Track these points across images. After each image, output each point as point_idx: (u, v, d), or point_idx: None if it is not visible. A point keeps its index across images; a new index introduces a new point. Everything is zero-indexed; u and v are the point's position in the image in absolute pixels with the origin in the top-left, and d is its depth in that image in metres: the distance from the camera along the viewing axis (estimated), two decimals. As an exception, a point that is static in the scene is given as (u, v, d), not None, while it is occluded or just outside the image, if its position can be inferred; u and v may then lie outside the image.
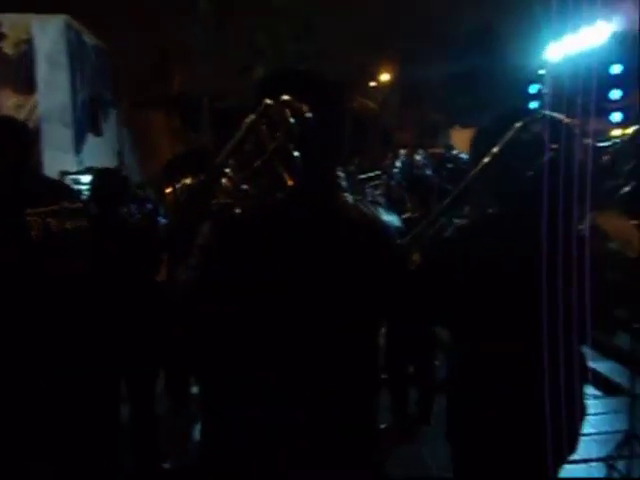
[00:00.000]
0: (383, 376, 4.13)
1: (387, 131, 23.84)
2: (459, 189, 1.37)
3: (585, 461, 2.90)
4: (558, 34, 11.53)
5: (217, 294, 1.12)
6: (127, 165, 18.54)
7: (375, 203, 1.29)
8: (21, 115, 15.02)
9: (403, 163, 14.74)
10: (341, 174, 1.24)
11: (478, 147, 1.42)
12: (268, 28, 20.42)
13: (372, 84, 23.95)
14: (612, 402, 3.73)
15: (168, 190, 1.25)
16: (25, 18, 15.49)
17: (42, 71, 15.46)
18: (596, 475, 2.73)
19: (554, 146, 1.27)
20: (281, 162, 1.01)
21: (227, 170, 1.10)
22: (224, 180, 1.08)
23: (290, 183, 1.00)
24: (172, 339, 2.98)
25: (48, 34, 15.49)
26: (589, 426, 3.39)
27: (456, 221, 1.58)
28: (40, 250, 2.02)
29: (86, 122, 16.86)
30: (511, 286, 1.32)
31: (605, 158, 1.87)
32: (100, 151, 17.59)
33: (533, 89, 12.61)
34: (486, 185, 1.38)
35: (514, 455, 1.42)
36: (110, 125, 19.32)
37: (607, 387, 4.04)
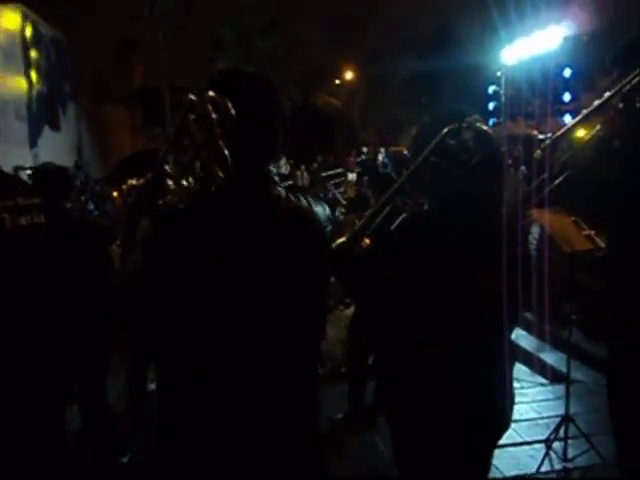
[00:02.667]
0: (342, 369, 4.24)
1: (351, 129, 24.06)
2: (394, 187, 1.47)
3: (528, 443, 3.08)
4: (512, 38, 11.88)
5: (159, 283, 1.18)
6: (86, 160, 18.15)
7: (317, 197, 1.37)
8: (-27, 107, 14.57)
9: (365, 161, 14.93)
10: (273, 169, 1.31)
11: (415, 147, 1.53)
12: (234, 23, 20.26)
13: (337, 82, 24.09)
14: (556, 389, 3.93)
15: (115, 193, 1.29)
16: (-22, 8, 14.98)
17: (-4, 62, 15.01)
18: (537, 456, 2.90)
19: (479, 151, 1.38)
20: (211, 156, 1.07)
21: (167, 168, 1.16)
22: (168, 179, 1.15)
23: (220, 175, 1.07)
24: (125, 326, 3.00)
25: (3, 25, 15.00)
26: (533, 411, 3.62)
27: (403, 215, 1.69)
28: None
29: (43, 116, 16.40)
30: (442, 276, 1.42)
31: (537, 152, 2.00)
32: (58, 146, 17.14)
33: (491, 90, 12.95)
34: (418, 183, 1.48)
35: (449, 436, 1.52)
36: (69, 119, 18.84)
37: (553, 375, 4.26)
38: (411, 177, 1.45)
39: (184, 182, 1.11)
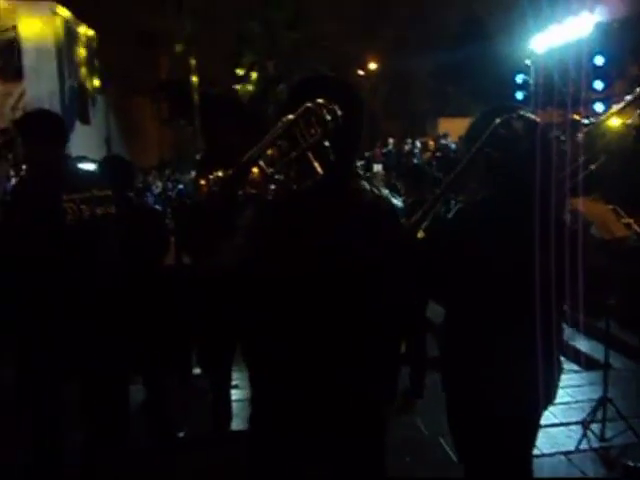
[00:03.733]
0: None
1: (374, 120, 24.02)
2: (450, 178, 1.59)
3: (564, 424, 3.18)
4: (543, 25, 11.73)
5: (259, 263, 1.34)
6: (115, 152, 18.53)
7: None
8: (8, 103, 14.98)
9: (390, 152, 14.95)
10: (358, 163, 1.45)
11: (468, 139, 1.65)
12: (260, 15, 20.35)
13: (360, 73, 24.03)
14: (590, 375, 4.00)
15: (202, 182, 1.42)
16: (11, 5, 15.34)
17: (29, 59, 15.36)
18: (574, 436, 3.00)
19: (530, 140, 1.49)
20: (314, 155, 1.22)
21: (260, 162, 1.30)
22: (255, 170, 1.28)
23: (320, 173, 1.22)
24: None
25: (35, 21, 15.37)
26: (568, 396, 3.71)
27: (457, 205, 1.80)
28: (74, 234, 2.20)
29: (74, 110, 16.79)
30: (498, 264, 1.53)
31: (580, 136, 2.07)
32: (88, 139, 17.53)
33: (519, 79, 12.82)
34: (474, 173, 1.59)
35: (502, 406, 1.64)
36: (98, 112, 19.26)
37: (586, 362, 4.33)
38: (466, 168, 1.56)
39: (277, 177, 1.24)
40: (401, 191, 3.78)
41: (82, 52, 17.88)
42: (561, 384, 4.15)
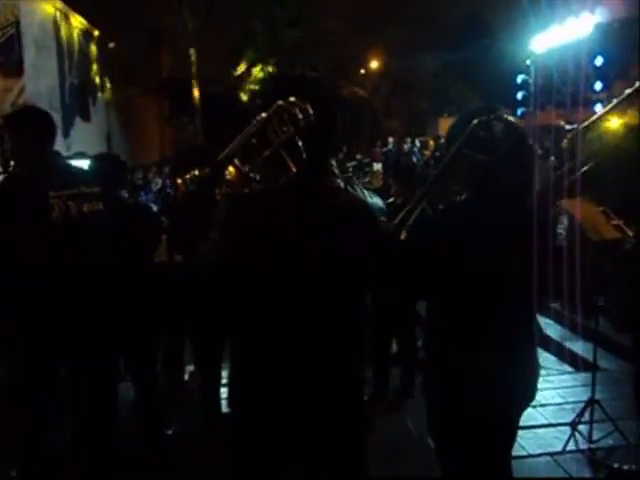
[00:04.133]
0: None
1: (376, 119, 24.01)
2: (431, 178, 1.59)
3: (553, 425, 3.18)
4: (544, 25, 11.72)
5: (234, 257, 1.36)
6: (116, 150, 18.55)
7: (363, 188, 1.51)
8: (8, 99, 14.99)
9: (390, 151, 14.95)
10: (334, 162, 1.46)
11: (449, 140, 1.65)
12: (261, 13, 20.33)
13: (362, 72, 24.02)
14: (582, 377, 4.01)
15: (179, 181, 1.43)
16: (11, 1, 15.34)
17: (30, 55, 15.34)
18: (563, 437, 3.00)
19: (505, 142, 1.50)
20: (287, 152, 1.23)
21: (236, 161, 1.30)
22: (230, 169, 1.29)
23: (294, 170, 1.23)
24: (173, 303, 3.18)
25: (36, 17, 15.35)
26: (558, 397, 3.71)
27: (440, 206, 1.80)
28: (60, 230, 2.21)
29: (74, 106, 16.81)
30: (477, 264, 1.53)
31: (564, 142, 2.08)
32: (89, 136, 17.55)
33: (519, 79, 12.82)
34: (454, 176, 1.60)
35: (482, 406, 1.64)
36: (99, 109, 19.27)
37: (579, 364, 4.34)
38: (445, 169, 1.57)
39: (251, 174, 1.25)
40: (392, 190, 3.77)
41: (83, 49, 17.88)
42: (553, 385, 4.19)
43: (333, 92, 1.51)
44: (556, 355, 4.74)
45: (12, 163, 2.54)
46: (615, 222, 2.87)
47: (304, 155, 1.25)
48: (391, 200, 3.56)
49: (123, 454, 2.73)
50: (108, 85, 19.98)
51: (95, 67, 18.94)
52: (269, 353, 1.41)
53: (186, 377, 4.12)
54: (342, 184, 1.44)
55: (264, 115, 1.25)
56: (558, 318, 5.22)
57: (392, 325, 3.78)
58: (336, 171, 1.45)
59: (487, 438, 1.66)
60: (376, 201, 1.50)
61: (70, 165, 2.55)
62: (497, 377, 1.62)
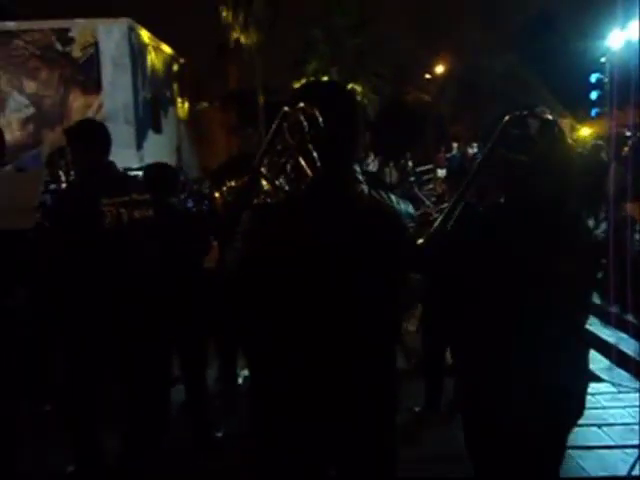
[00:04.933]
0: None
1: (442, 124, 23.56)
2: (466, 180, 1.52)
3: (620, 447, 2.95)
4: (621, 21, 11.09)
5: (256, 267, 1.36)
6: (185, 160, 19.31)
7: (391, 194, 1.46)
8: (88, 114, 15.99)
9: (454, 157, 14.61)
10: (358, 167, 1.43)
11: (482, 140, 1.58)
12: (323, 22, 20.55)
13: (427, 76, 23.68)
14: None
15: (217, 194, 1.42)
16: (91, 23, 16.39)
17: (107, 73, 16.35)
18: (629, 460, 2.78)
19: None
20: (303, 158, 1.22)
21: (263, 170, 1.31)
22: (263, 180, 1.31)
23: (310, 175, 1.21)
24: (224, 308, 3.25)
25: (112, 37, 16.33)
26: (629, 416, 3.45)
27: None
28: (112, 236, 2.32)
29: (147, 120, 17.69)
30: (516, 267, 1.44)
31: (626, 149, 1.94)
32: (160, 148, 18.38)
33: (593, 78, 12.21)
34: (493, 177, 1.52)
35: (522, 424, 1.54)
36: (170, 122, 20.17)
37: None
38: (479, 170, 1.50)
39: (277, 182, 1.26)
40: (446, 196, 3.66)
41: (155, 64, 18.78)
42: (623, 404, 3.91)
43: (354, 98, 1.51)
44: (630, 372, 4.42)
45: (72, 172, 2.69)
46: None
47: (318, 162, 1.23)
48: (444, 206, 3.46)
49: (171, 455, 2.79)
50: (179, 99, 20.84)
51: (166, 82, 19.82)
52: (294, 360, 1.39)
53: (240, 381, 4.18)
54: (366, 189, 1.40)
55: (276, 122, 1.26)
56: (635, 332, 4.88)
57: (443, 334, 3.66)
58: (360, 177, 1.42)
59: (527, 455, 1.56)
60: (404, 207, 1.45)
61: (124, 174, 2.67)
62: (538, 389, 1.51)
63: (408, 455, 2.81)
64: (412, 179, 12.13)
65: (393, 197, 1.45)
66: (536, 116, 1.44)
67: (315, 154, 1.23)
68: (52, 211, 2.52)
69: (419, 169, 15.06)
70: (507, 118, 1.43)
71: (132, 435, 2.66)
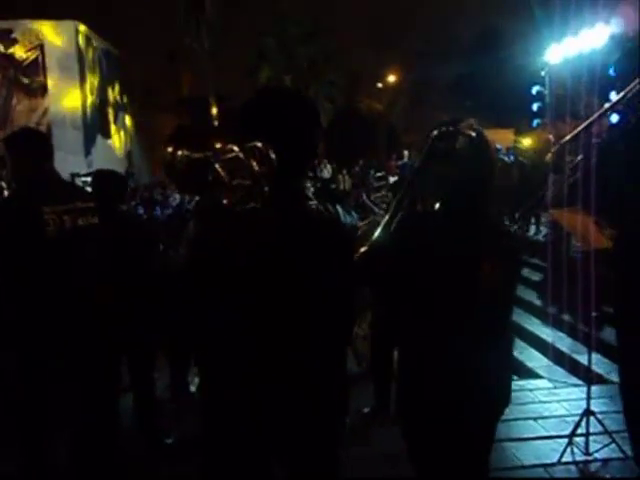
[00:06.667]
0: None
1: (393, 132, 24.05)
2: (400, 193, 1.63)
3: (552, 437, 3.14)
4: (558, 36, 11.70)
5: (202, 273, 1.40)
6: (136, 166, 18.94)
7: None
8: (33, 119, 15.48)
9: (406, 164, 14.95)
10: (307, 185, 1.50)
11: (415, 156, 1.70)
12: (276, 31, 20.66)
13: (379, 85, 24.14)
14: (594, 389, 3.93)
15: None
16: (36, 24, 15.89)
17: (53, 76, 15.89)
18: (559, 449, 2.96)
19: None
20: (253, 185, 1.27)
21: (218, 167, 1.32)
22: (219, 167, 1.29)
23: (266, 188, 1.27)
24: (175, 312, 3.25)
25: (59, 39, 15.90)
26: (562, 409, 3.66)
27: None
28: (55, 244, 2.30)
29: (96, 125, 17.27)
30: (440, 271, 1.55)
31: (548, 156, 2.11)
32: (110, 153, 17.97)
33: (534, 91, 12.79)
34: (427, 188, 1.63)
35: (453, 417, 1.65)
36: (120, 127, 19.73)
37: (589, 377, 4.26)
38: (413, 182, 1.61)
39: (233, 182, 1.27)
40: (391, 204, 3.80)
41: (104, 69, 18.36)
42: (558, 398, 4.12)
43: (313, 107, 1.52)
44: (566, 368, 4.68)
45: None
46: (608, 232, 2.86)
47: (266, 189, 1.27)
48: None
49: (122, 461, 2.79)
50: (129, 104, 20.44)
51: (116, 87, 19.41)
52: (240, 358, 1.45)
53: (192, 389, 4.18)
54: (314, 205, 1.45)
55: (228, 156, 1.28)
56: (570, 331, 5.16)
57: (391, 337, 3.78)
58: (309, 193, 1.48)
59: (459, 447, 1.67)
60: (349, 220, 1.54)
61: (67, 182, 2.65)
62: (467, 382, 1.63)
63: (357, 454, 2.92)
64: (373, 185, 12.33)
65: (340, 210, 1.52)
66: (459, 132, 1.55)
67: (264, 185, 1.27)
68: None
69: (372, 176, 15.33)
70: (435, 133, 1.55)
71: (80, 440, 2.65)
